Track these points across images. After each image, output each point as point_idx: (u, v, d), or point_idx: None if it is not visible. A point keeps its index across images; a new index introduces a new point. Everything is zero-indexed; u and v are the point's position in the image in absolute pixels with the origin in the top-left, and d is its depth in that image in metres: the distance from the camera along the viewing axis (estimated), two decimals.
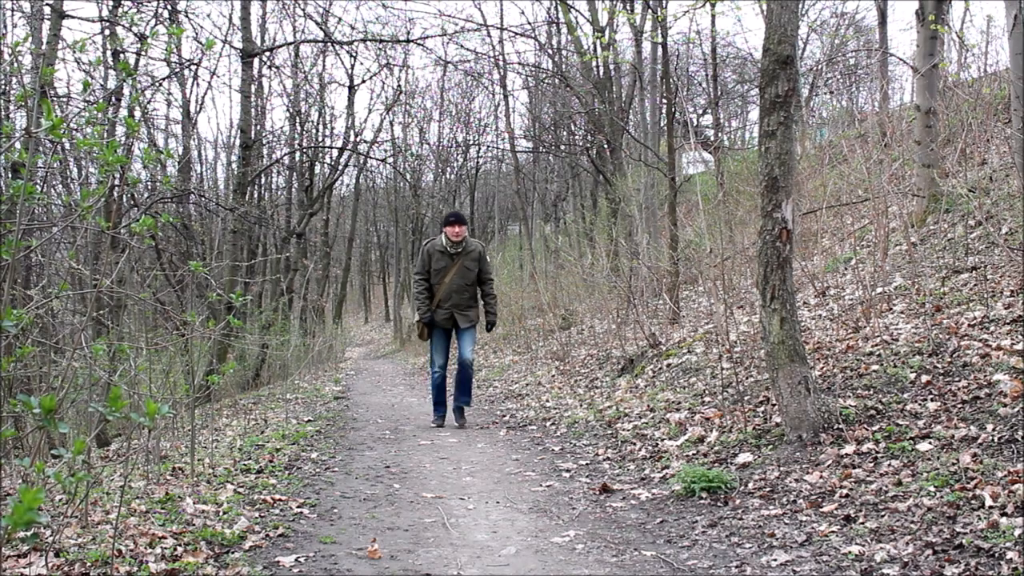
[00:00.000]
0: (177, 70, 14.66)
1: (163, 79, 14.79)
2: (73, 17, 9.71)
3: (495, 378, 11.06)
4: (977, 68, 11.48)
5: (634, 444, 5.69)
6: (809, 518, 3.69)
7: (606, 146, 16.92)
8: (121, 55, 11.65)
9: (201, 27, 24.93)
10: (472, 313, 7.41)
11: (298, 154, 21.32)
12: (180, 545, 3.40)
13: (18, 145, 3.28)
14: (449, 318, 7.34)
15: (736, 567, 3.25)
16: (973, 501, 3.32)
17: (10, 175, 8.15)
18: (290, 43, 19.61)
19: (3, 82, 8.21)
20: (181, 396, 6.06)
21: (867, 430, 4.33)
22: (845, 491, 3.82)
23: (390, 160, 25.64)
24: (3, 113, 8.43)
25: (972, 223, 7.32)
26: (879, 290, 6.72)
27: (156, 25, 12.37)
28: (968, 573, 2.83)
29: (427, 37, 24.85)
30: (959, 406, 4.26)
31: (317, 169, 22.97)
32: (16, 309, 3.20)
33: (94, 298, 4.64)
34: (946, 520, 3.26)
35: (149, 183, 12.15)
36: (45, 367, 5.11)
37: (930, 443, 3.99)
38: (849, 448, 4.22)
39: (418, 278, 7.44)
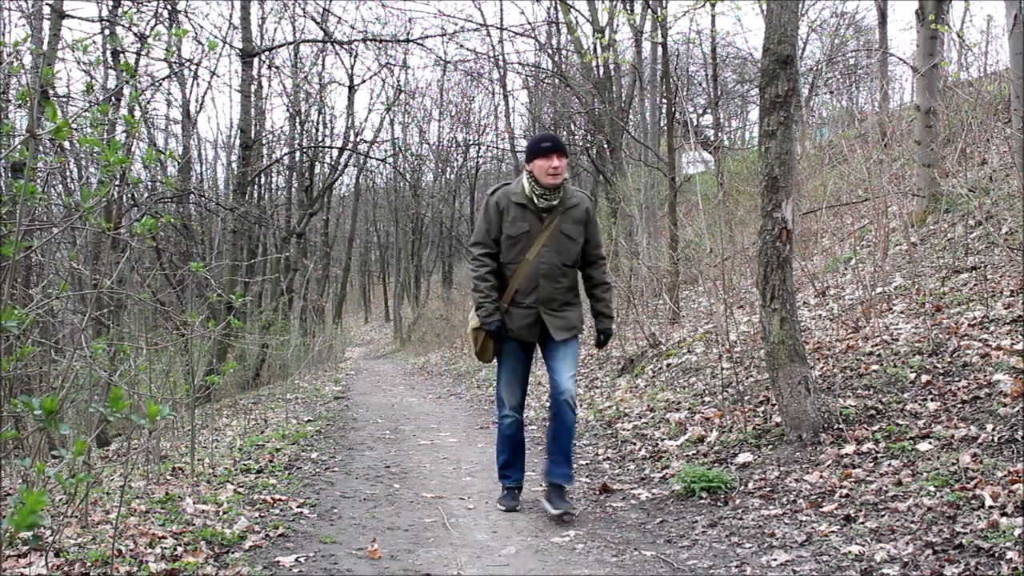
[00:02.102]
0: (177, 70, 14.66)
1: (163, 79, 14.80)
2: (73, 17, 9.72)
3: (495, 378, 11.06)
4: (977, 68, 11.49)
5: (634, 444, 5.70)
6: (809, 518, 3.69)
7: (606, 146, 16.91)
8: (121, 55, 11.65)
9: (201, 27, 24.92)
10: (572, 315, 4.34)
11: (298, 154, 21.32)
12: (180, 545, 3.41)
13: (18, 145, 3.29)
14: (533, 323, 4.26)
15: (736, 567, 3.25)
16: (973, 501, 3.33)
17: (10, 175, 8.15)
18: (290, 43, 19.62)
19: (3, 82, 8.21)
20: (181, 396, 6.06)
21: (867, 430, 4.33)
22: (845, 491, 3.83)
23: (390, 160, 25.64)
24: (3, 113, 8.43)
25: (972, 223, 7.32)
26: (879, 290, 6.72)
27: (156, 25, 12.37)
28: (968, 573, 2.83)
29: (427, 37, 24.85)
30: (959, 406, 4.26)
31: (317, 169, 22.97)
32: (17, 309, 3.21)
33: (94, 298, 4.64)
34: (946, 520, 3.26)
35: (149, 183, 12.16)
36: (45, 367, 5.11)
37: (930, 443, 3.99)
38: (849, 448, 4.22)
39: (477, 253, 4.30)
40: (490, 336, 4.30)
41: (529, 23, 23.11)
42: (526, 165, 4.26)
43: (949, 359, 4.85)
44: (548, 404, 4.39)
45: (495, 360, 4.45)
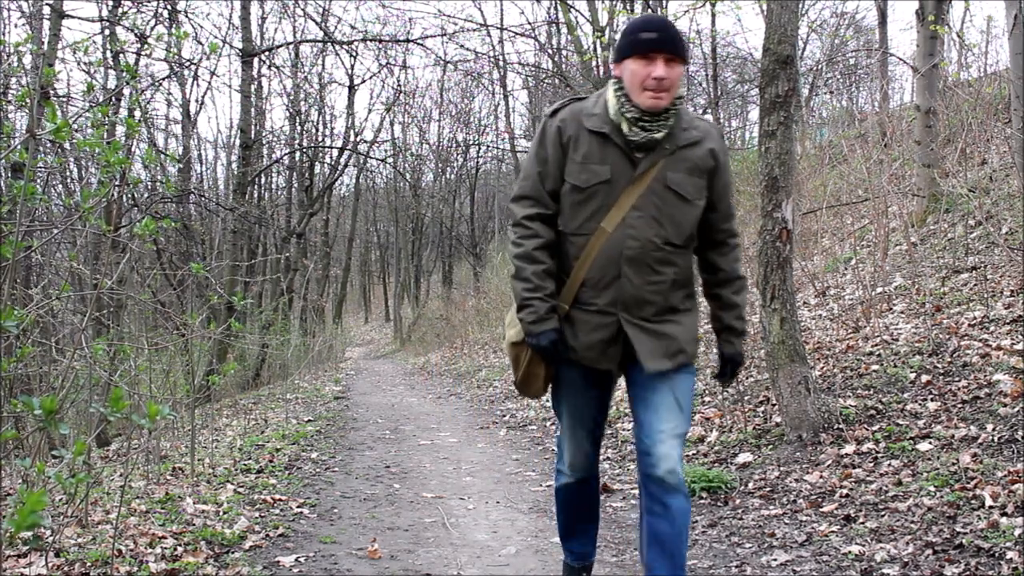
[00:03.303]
0: (177, 71, 14.66)
1: (163, 79, 14.80)
2: (73, 17, 9.72)
3: (495, 378, 11.08)
4: (977, 68, 11.49)
5: (634, 444, 5.69)
6: (809, 518, 3.69)
7: None
8: (121, 55, 11.65)
9: (201, 27, 24.94)
10: (679, 330, 2.57)
11: (298, 154, 21.32)
12: (180, 545, 3.41)
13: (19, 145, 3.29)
14: (611, 340, 2.55)
15: (736, 567, 3.26)
16: (973, 501, 3.33)
17: (10, 175, 8.15)
18: (290, 43, 19.61)
19: (2, 82, 8.22)
20: (181, 396, 6.06)
21: (867, 430, 4.34)
22: (845, 491, 3.83)
23: (390, 160, 25.65)
24: (3, 113, 8.43)
25: (972, 223, 7.32)
26: (879, 290, 6.72)
27: (156, 25, 12.37)
28: (968, 573, 2.83)
29: (427, 37, 24.84)
30: (959, 406, 4.26)
31: (317, 169, 22.97)
32: (18, 309, 3.21)
33: (94, 298, 4.64)
34: (946, 520, 3.26)
35: (149, 183, 12.16)
36: (45, 367, 5.11)
37: (930, 443, 3.99)
38: (849, 448, 4.22)
39: (522, 216, 2.58)
40: (541, 356, 2.54)
41: (529, 23, 23.11)
42: (614, 67, 2.55)
43: (949, 359, 4.85)
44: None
45: (549, 394, 2.73)
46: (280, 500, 4.44)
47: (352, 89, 23.86)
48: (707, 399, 6.14)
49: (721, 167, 2.58)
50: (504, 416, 8.06)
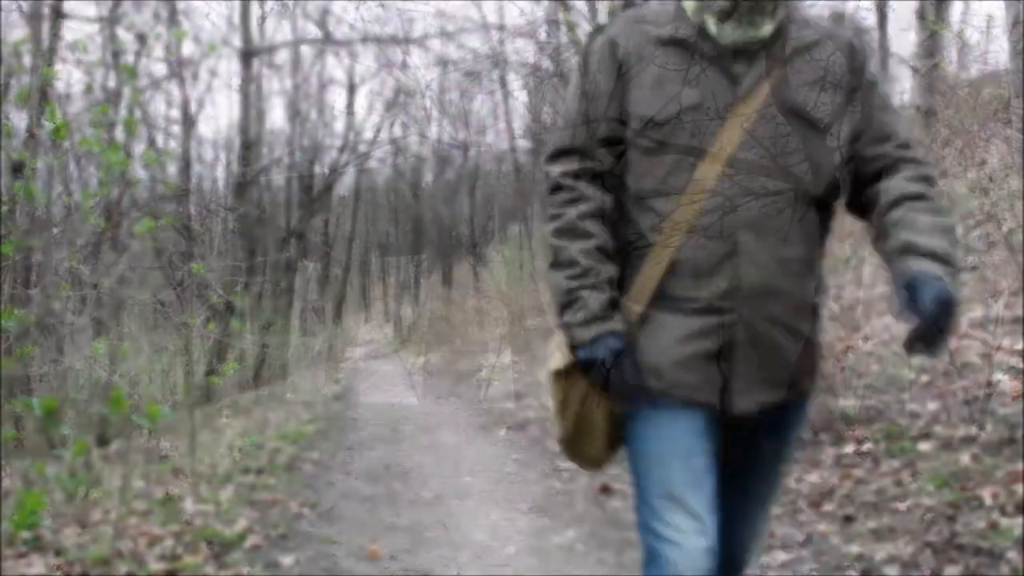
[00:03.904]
0: (177, 71, 14.67)
1: (163, 79, 14.81)
2: (73, 17, 9.73)
3: (495, 378, 11.07)
4: (977, 68, 11.49)
5: None
6: (809, 518, 3.69)
7: None
8: (121, 55, 11.66)
9: (201, 27, 24.95)
10: (797, 346, 1.63)
11: (298, 154, 21.32)
12: (180, 545, 3.41)
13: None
14: (713, 355, 1.58)
15: None
16: (973, 501, 3.33)
17: (10, 175, 8.14)
18: (290, 43, 19.62)
19: (3, 82, 8.21)
20: (181, 396, 6.06)
21: (867, 430, 4.33)
22: (845, 491, 3.82)
23: (390, 160, 25.65)
24: (3, 113, 8.42)
25: (972, 223, 7.32)
26: (879, 290, 6.72)
27: (156, 25, 12.38)
28: (968, 573, 2.83)
29: (427, 37, 24.84)
30: (959, 406, 4.26)
31: (317, 169, 22.97)
32: (17, 309, 3.21)
33: (94, 298, 4.64)
34: (946, 520, 3.26)
35: (149, 183, 12.17)
36: (45, 367, 5.11)
37: (930, 443, 3.99)
38: (849, 448, 4.22)
39: (558, 173, 1.65)
40: (600, 385, 1.61)
41: (529, 23, 23.10)
42: None
43: (949, 359, 4.85)
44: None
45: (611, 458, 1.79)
46: (280, 500, 4.44)
47: (352, 89, 23.87)
48: None
49: (863, 69, 1.69)
50: (504, 416, 8.06)
